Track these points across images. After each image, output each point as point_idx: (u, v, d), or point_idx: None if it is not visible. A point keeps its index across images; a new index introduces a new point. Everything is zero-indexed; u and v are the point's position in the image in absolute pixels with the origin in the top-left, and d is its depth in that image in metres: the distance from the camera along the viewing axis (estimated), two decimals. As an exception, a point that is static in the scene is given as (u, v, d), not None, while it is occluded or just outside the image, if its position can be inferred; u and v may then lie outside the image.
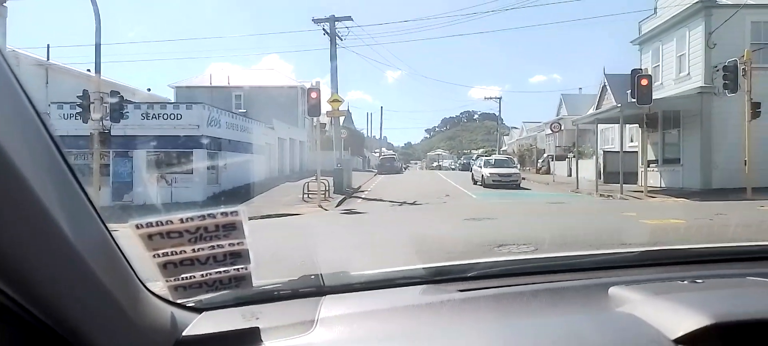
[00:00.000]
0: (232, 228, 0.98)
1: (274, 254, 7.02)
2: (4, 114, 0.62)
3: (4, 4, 9.20)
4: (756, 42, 19.20)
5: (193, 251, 0.98)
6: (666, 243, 6.39)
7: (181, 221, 0.94)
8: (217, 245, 0.99)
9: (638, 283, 1.24)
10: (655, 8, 23.46)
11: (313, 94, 18.73)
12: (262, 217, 13.51)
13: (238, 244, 1.01)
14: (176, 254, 0.97)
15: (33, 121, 0.68)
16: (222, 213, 0.96)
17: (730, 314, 0.95)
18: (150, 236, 0.93)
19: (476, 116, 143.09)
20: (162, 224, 0.93)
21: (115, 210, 16.09)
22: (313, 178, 18.36)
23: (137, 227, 0.92)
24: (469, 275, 1.41)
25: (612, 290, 1.18)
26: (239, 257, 1.03)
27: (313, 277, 1.35)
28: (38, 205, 0.64)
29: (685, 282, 1.21)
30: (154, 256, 0.96)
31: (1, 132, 0.59)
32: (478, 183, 25.89)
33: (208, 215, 0.95)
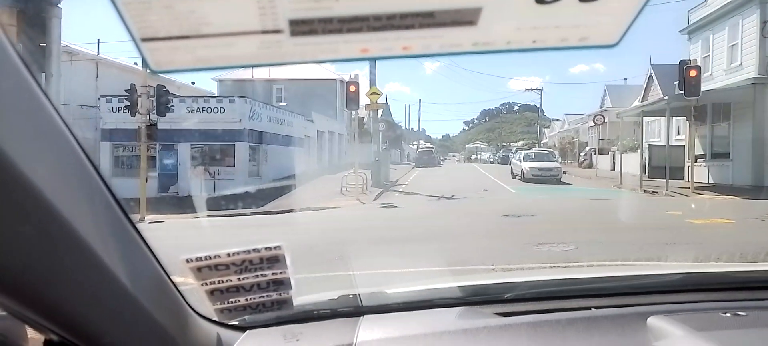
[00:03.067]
0: (275, 260, 1.03)
1: (312, 248, 7.16)
2: (46, 158, 0.60)
3: (59, 6, 9.63)
4: (815, 31, 18.25)
5: (239, 279, 1.03)
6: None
7: (228, 255, 1.00)
8: (261, 274, 1.04)
9: (679, 312, 1.22)
10: (706, -4, 22.57)
11: (352, 87, 18.83)
12: (302, 210, 13.77)
13: (280, 273, 1.05)
14: (223, 282, 1.03)
15: (77, 159, 0.67)
16: (266, 248, 1.01)
17: None
18: (199, 269, 0.99)
19: (516, 108, 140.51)
20: (210, 258, 0.99)
21: (161, 201, 16.63)
22: (351, 171, 18.50)
23: (187, 261, 0.98)
24: (505, 296, 1.42)
25: (650, 320, 1.17)
26: (282, 284, 1.08)
27: (351, 296, 1.39)
28: (87, 248, 0.64)
29: (728, 314, 1.18)
30: (202, 285, 1.02)
31: (47, 180, 0.59)
32: (517, 177, 25.33)
33: (253, 249, 1.01)
